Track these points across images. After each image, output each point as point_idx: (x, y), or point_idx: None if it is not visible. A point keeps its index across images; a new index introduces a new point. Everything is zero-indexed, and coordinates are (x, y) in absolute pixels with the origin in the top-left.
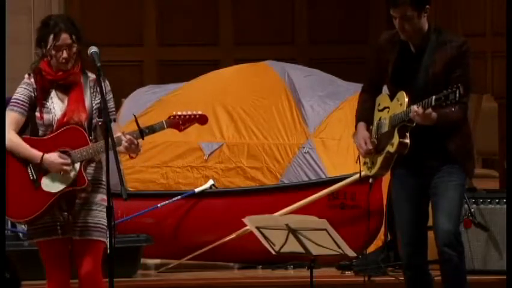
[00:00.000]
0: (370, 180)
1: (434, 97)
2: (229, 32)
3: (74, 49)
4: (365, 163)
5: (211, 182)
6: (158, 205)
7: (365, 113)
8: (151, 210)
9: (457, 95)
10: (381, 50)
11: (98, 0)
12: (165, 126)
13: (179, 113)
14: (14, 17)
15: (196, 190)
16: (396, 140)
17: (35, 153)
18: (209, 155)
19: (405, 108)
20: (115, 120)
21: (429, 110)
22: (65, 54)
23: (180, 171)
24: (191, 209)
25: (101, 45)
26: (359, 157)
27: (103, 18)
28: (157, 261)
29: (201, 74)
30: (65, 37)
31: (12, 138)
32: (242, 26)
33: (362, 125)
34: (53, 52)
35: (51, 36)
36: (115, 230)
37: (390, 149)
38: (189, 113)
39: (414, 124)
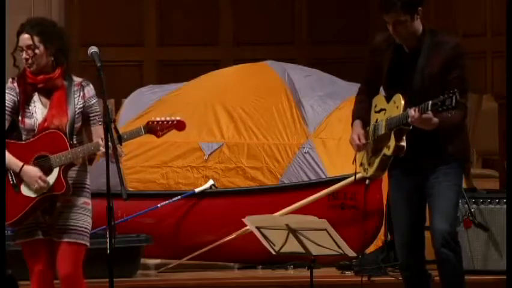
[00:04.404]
0: (366, 182)
1: (430, 102)
2: (229, 32)
3: (37, 51)
4: (361, 164)
5: (211, 182)
6: (158, 205)
7: (361, 113)
8: (151, 210)
9: (454, 100)
10: (376, 51)
11: (98, 0)
12: (143, 132)
13: (157, 118)
14: (14, 17)
15: (196, 190)
16: (392, 143)
17: (15, 163)
18: (209, 155)
19: (401, 112)
20: (100, 123)
21: (429, 114)
22: (24, 55)
23: (180, 171)
24: (191, 209)
25: (101, 45)
26: (355, 158)
27: (103, 18)
28: (157, 261)
29: (201, 74)
30: (24, 37)
31: None
32: (242, 26)
33: (357, 122)
34: (20, 53)
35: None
36: (115, 230)
37: (387, 151)
38: (167, 119)
39: (411, 127)
